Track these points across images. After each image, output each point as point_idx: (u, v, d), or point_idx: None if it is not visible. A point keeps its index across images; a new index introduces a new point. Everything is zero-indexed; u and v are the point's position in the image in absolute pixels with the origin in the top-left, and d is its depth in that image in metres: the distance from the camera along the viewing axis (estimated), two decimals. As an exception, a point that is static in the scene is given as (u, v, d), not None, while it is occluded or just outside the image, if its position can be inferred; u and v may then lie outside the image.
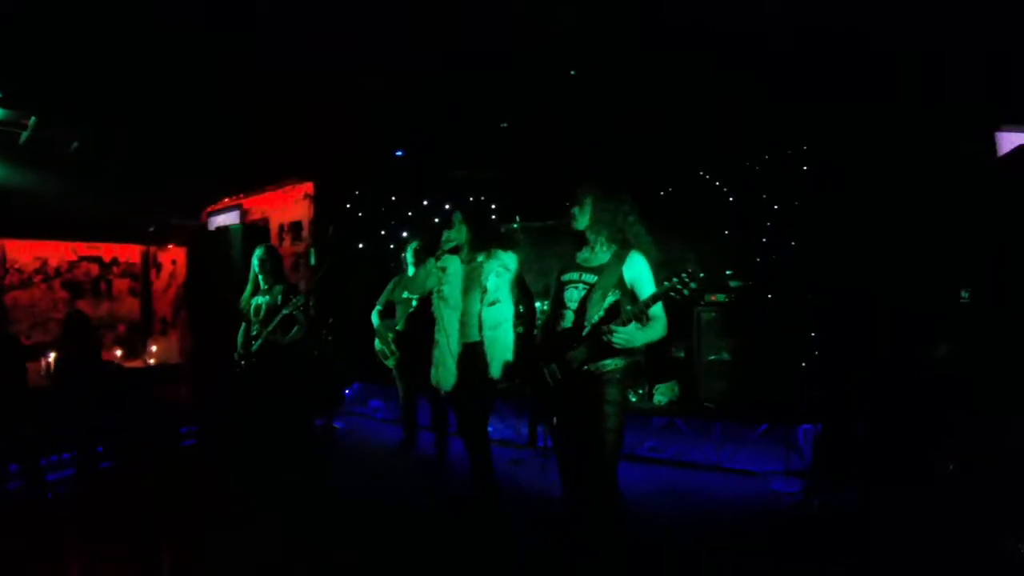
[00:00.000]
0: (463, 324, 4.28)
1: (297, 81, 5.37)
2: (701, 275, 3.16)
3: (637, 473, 5.55)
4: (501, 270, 4.26)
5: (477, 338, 4.20)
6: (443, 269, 4.44)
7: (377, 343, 6.09)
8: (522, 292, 4.39)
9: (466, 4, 4.30)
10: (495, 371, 4.12)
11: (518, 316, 4.35)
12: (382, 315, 6.19)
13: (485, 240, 4.39)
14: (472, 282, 4.26)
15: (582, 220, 3.54)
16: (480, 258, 4.29)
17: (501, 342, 4.18)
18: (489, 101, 5.89)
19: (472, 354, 4.22)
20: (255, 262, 5.74)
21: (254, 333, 5.69)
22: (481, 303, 4.20)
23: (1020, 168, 4.19)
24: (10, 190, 7.00)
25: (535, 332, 4.20)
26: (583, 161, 7.73)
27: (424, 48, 4.80)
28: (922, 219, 4.64)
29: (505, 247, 4.38)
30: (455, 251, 4.45)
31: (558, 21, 4.37)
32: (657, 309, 3.34)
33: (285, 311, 5.53)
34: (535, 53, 4.88)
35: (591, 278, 3.47)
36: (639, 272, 3.43)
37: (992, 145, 4.54)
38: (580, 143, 7.15)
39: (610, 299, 3.40)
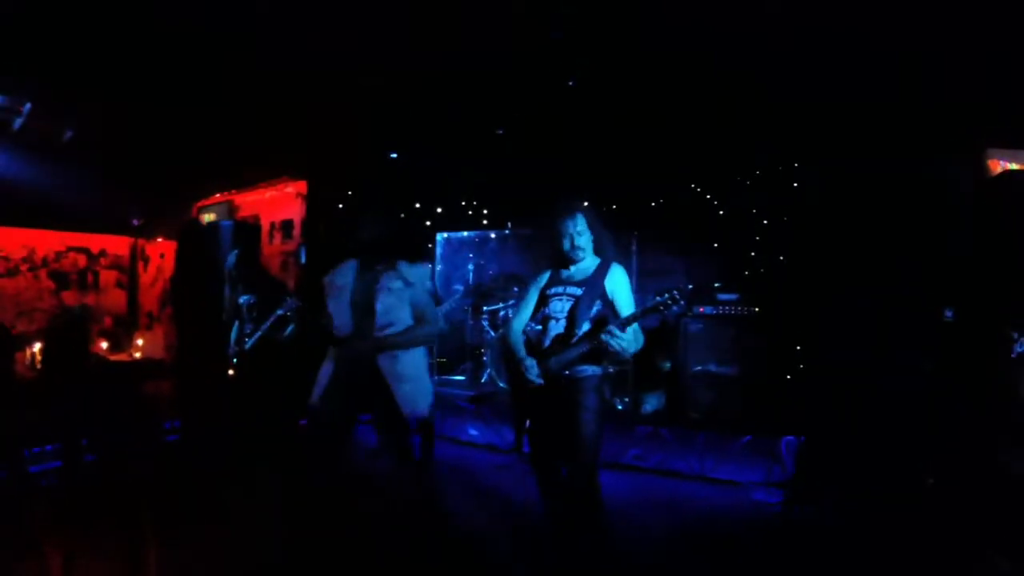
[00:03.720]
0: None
1: (293, 79, 5.37)
2: (690, 287, 3.27)
3: (620, 481, 5.57)
4: (398, 285, 3.75)
5: (381, 363, 3.70)
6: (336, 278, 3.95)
7: None
8: (425, 315, 3.83)
9: (465, 7, 4.31)
10: (410, 409, 3.68)
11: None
12: None
13: (383, 245, 3.90)
14: (366, 298, 3.76)
15: (582, 238, 3.64)
16: (379, 267, 3.82)
17: (402, 374, 3.71)
18: (484, 105, 5.91)
19: (370, 381, 3.73)
20: (232, 264, 5.72)
21: (247, 331, 5.66)
22: (373, 324, 3.71)
23: (1005, 192, 4.28)
24: (0, 177, 6.97)
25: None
26: (575, 168, 7.83)
27: (422, 49, 4.82)
28: (909, 238, 4.71)
29: (413, 257, 3.94)
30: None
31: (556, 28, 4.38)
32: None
33: (280, 311, 5.51)
34: (530, 58, 4.91)
35: (577, 291, 3.59)
36: (619, 285, 3.58)
37: (980, 167, 4.62)
38: (573, 150, 7.20)
39: (595, 309, 3.53)
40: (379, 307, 3.69)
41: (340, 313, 3.79)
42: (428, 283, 3.97)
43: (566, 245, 3.64)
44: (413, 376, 3.74)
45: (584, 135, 6.62)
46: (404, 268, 3.81)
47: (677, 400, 6.35)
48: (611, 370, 3.54)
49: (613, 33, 4.42)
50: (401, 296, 3.73)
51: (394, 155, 7.60)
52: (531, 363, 3.56)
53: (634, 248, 7.19)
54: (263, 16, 4.41)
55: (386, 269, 3.79)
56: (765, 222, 7.43)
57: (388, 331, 3.68)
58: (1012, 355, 3.38)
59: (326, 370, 3.83)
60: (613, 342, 3.27)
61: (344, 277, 3.85)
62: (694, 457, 5.86)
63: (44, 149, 7.12)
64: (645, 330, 3.49)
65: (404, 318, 3.74)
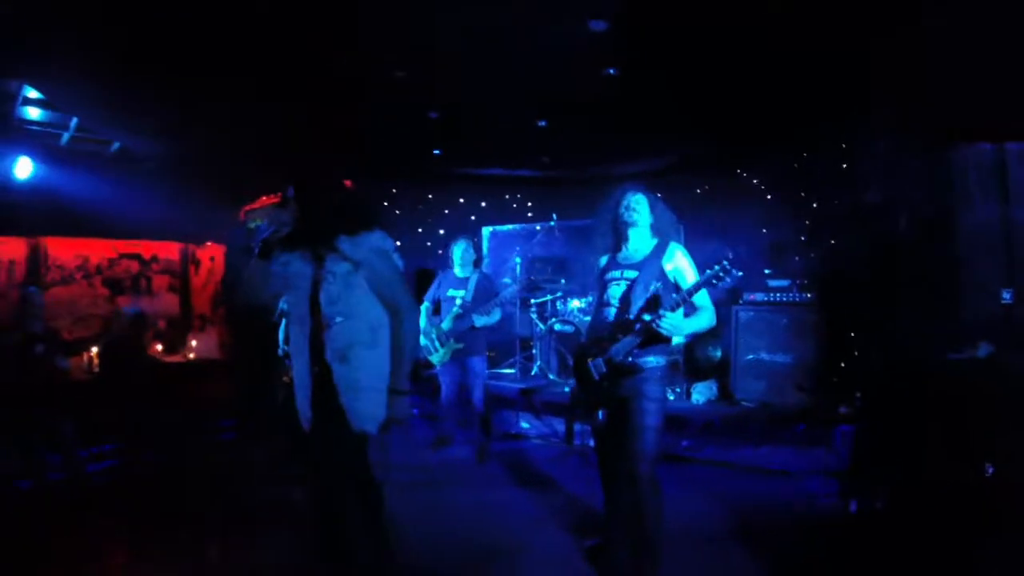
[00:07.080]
0: (312, 346, 3.06)
1: (339, 74, 5.35)
2: (731, 255, 3.19)
3: (673, 472, 5.51)
4: (343, 268, 3.02)
5: (333, 366, 3.01)
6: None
7: (422, 338, 5.97)
8: (398, 303, 3.09)
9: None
10: (361, 422, 2.97)
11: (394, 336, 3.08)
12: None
13: (327, 216, 3.12)
14: (315, 286, 3.06)
15: (643, 218, 3.57)
16: (321, 250, 3.06)
17: (355, 380, 2.99)
18: (528, 98, 5.87)
19: (326, 390, 3.01)
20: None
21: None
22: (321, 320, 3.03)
23: None
24: (52, 190, 7.20)
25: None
26: (621, 158, 7.77)
27: (463, 43, 4.78)
28: (961, 220, 4.59)
29: (357, 229, 3.08)
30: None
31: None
32: (704, 299, 3.40)
33: None
34: (573, 49, 4.84)
35: (632, 274, 3.52)
36: (680, 262, 3.51)
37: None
38: (617, 142, 7.14)
39: (652, 291, 3.43)
40: (322, 298, 3.01)
41: (299, 304, 3.10)
42: (392, 257, 3.16)
43: (621, 209, 3.57)
44: (372, 386, 3.02)
45: (629, 124, 6.53)
46: (346, 246, 3.02)
47: (729, 390, 6.28)
48: (674, 359, 3.45)
49: (651, 24, 4.33)
50: (349, 282, 3.01)
51: (437, 152, 7.63)
52: (593, 355, 3.53)
53: (682, 239, 7.11)
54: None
55: (328, 252, 3.04)
56: (815, 206, 7.29)
57: (337, 327, 2.99)
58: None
59: None
60: (663, 324, 3.20)
61: (299, 265, 3.11)
62: (747, 448, 5.79)
63: (92, 162, 7.38)
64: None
65: (362, 309, 3.04)
